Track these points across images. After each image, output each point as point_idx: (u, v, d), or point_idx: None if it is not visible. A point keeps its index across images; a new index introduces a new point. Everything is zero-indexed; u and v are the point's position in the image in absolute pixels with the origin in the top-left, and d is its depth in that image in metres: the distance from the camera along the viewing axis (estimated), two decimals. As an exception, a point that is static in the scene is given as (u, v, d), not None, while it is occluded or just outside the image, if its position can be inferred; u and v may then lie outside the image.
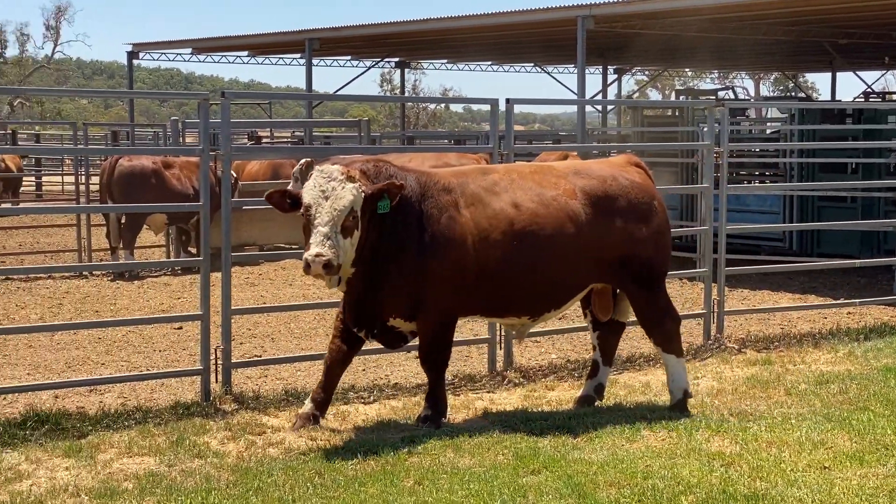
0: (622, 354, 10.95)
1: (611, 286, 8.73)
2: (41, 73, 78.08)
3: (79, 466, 7.28)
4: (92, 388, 9.54)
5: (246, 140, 29.07)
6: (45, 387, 9.25)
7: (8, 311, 13.94)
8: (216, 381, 9.15)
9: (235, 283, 12.23)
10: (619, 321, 9.02)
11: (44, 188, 33.43)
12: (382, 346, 8.43)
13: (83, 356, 11.19)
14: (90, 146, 23.09)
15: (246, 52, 37.58)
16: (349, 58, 37.71)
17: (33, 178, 33.44)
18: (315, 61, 32.09)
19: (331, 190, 7.56)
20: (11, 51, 76.02)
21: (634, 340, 11.47)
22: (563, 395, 9.47)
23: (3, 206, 26.48)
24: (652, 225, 8.58)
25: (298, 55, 35.93)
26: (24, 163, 30.93)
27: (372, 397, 9.37)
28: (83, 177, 20.59)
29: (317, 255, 7.39)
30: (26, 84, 66.10)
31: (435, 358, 8.19)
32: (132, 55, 36.21)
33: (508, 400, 9.36)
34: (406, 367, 10.59)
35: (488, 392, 9.61)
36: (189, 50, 37.20)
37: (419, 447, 7.58)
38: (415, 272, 7.85)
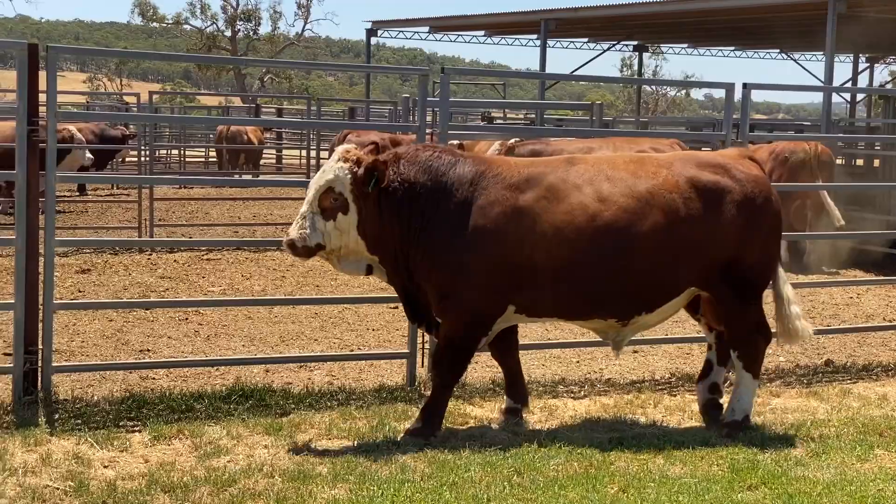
0: (857, 362, 10.17)
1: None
2: (291, 50, 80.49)
3: (277, 445, 7.17)
4: (302, 364, 9.49)
5: (479, 120, 28.98)
6: (254, 361, 9.25)
7: (234, 281, 14.15)
8: (422, 366, 8.92)
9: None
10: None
11: (284, 161, 34.27)
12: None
13: (297, 331, 11.18)
14: (322, 120, 23.38)
15: (482, 32, 37.54)
16: (586, 39, 37.17)
17: (274, 151, 34.34)
18: (551, 42, 31.72)
19: (323, 170, 7.32)
20: (264, 28, 78.59)
21: (873, 347, 10.66)
22: (790, 402, 8.82)
23: (244, 177, 27.24)
24: (763, 227, 7.69)
25: (534, 36, 35.59)
26: (267, 136, 31.78)
27: (582, 392, 8.96)
28: (315, 150, 20.86)
29: (285, 235, 7.29)
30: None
31: (447, 363, 7.45)
32: (371, 33, 36.69)
33: (728, 404, 8.77)
34: (622, 361, 10.13)
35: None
36: (426, 28, 37.42)
37: (627, 451, 7.14)
38: (445, 265, 7.22)
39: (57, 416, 7.57)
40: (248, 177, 27.93)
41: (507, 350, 7.94)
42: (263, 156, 32.10)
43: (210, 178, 24.48)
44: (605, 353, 10.28)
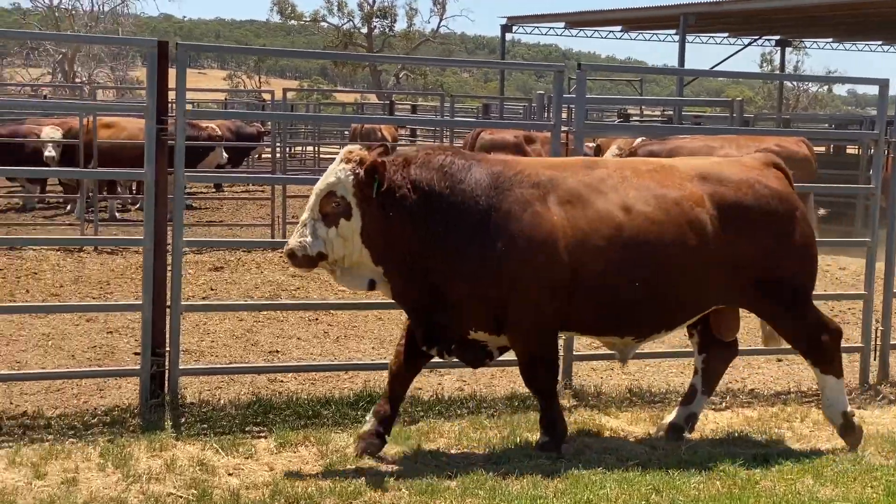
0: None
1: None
2: (427, 47, 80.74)
3: (405, 455, 6.93)
4: (432, 368, 9.23)
5: (615, 117, 28.49)
6: (383, 366, 9.00)
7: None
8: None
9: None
10: (732, 348, 7.74)
11: (417, 158, 34.14)
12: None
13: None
14: (456, 118, 23.18)
15: (619, 27, 36.96)
16: (726, 35, 36.30)
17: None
18: (689, 38, 31.00)
19: (326, 174, 6.76)
20: (400, 24, 78.96)
21: None
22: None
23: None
24: (795, 239, 7.25)
25: (673, 31, 34.88)
26: (401, 133, 31.73)
27: (724, 403, 8.54)
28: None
29: (286, 245, 6.73)
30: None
31: (539, 377, 7.00)
32: (506, 29, 36.45)
33: (881, 420, 8.28)
34: (765, 370, 9.66)
35: (857, 407, 8.50)
36: (562, 24, 37.00)
37: (773, 468, 6.73)
38: (490, 277, 6.66)
39: (183, 420, 7.47)
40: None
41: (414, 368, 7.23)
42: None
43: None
44: (748, 362, 9.83)
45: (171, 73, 7.86)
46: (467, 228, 6.68)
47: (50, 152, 19.11)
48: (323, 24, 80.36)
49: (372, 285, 6.87)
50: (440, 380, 8.98)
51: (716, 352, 7.62)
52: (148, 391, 7.66)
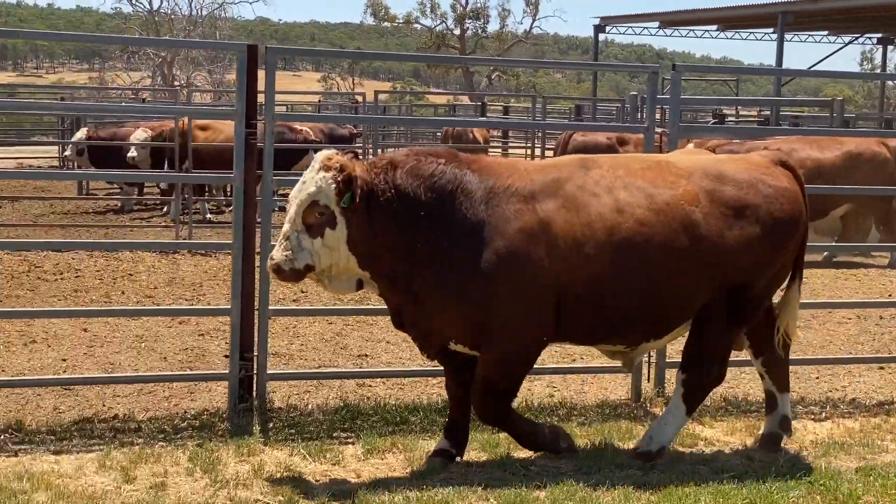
0: None
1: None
2: (519, 48, 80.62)
3: (493, 464, 6.81)
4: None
5: (710, 118, 28.06)
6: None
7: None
8: (647, 380, 8.42)
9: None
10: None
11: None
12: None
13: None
14: (547, 120, 23.02)
15: (715, 27, 36.45)
16: (825, 33, 35.59)
17: (500, 150, 34.19)
18: (787, 36, 30.42)
19: (303, 182, 6.47)
20: (493, 25, 78.98)
21: None
22: None
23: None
24: (787, 247, 6.87)
25: (770, 30, 34.29)
26: (493, 134, 31.65)
27: (824, 414, 8.29)
28: (540, 149, 20.51)
29: (269, 258, 6.47)
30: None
31: (490, 408, 6.69)
32: (599, 29, 36.16)
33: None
34: (867, 379, 9.36)
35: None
36: (656, 24, 36.60)
37: (877, 483, 6.47)
38: (473, 293, 6.36)
39: (271, 424, 7.45)
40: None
41: (463, 382, 6.85)
42: (489, 154, 31.96)
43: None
44: (848, 370, 9.55)
45: (263, 76, 7.84)
46: (453, 242, 6.39)
47: (132, 153, 19.53)
48: (416, 25, 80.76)
49: (360, 285, 6.68)
50: (529, 385, 8.84)
51: (772, 348, 7.28)
52: (236, 395, 7.65)
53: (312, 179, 6.41)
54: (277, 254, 6.42)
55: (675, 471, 6.63)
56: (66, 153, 21.04)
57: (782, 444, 7.26)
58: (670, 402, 7.01)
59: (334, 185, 6.36)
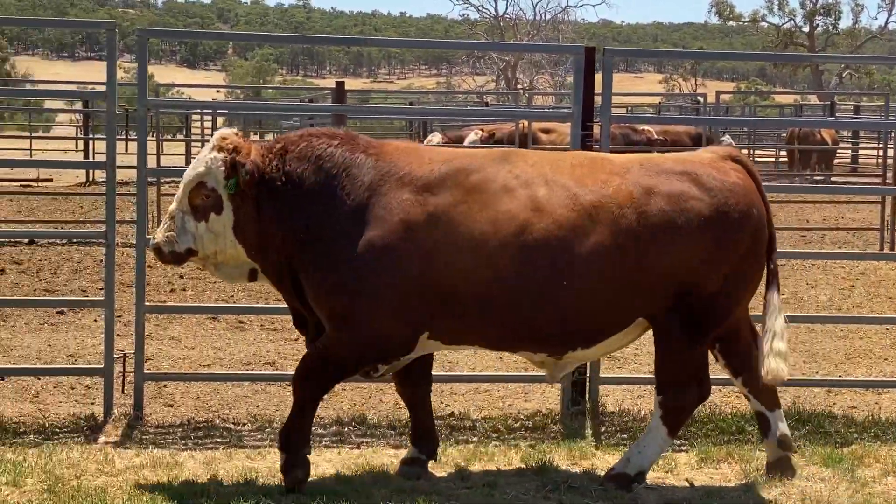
0: None
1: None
2: (873, 43, 77.01)
3: (835, 480, 6.49)
4: (869, 387, 8.67)
5: None
6: (813, 382, 8.55)
7: (798, 290, 13.41)
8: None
9: None
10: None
11: (860, 161, 32.50)
12: None
13: (865, 347, 10.29)
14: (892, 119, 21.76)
15: None
16: None
17: (849, 151, 32.73)
18: None
19: (196, 160, 6.13)
20: (844, 22, 75.91)
21: None
22: None
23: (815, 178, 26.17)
24: (736, 248, 6.16)
25: None
26: (842, 135, 30.35)
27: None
28: (893, 150, 19.41)
29: (152, 237, 6.19)
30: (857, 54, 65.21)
31: (314, 377, 6.11)
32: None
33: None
34: None
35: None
36: None
37: None
38: (337, 284, 5.96)
39: (603, 429, 7.42)
40: (820, 178, 26.73)
41: (415, 383, 6.55)
42: (837, 155, 30.65)
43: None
44: None
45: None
46: (334, 229, 6.02)
47: None
48: (762, 24, 78.60)
49: (253, 276, 6.37)
50: (877, 399, 8.37)
51: (751, 364, 6.48)
52: (569, 398, 7.66)
53: (203, 159, 6.15)
54: (159, 234, 6.20)
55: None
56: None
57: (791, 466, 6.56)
58: (651, 427, 6.43)
59: (223, 168, 6.07)
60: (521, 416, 7.73)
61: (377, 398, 8.30)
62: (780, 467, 6.52)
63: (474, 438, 7.29)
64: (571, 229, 5.97)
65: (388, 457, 6.79)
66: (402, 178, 6.05)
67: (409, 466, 6.47)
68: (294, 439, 6.10)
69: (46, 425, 7.35)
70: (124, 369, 7.92)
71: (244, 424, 7.52)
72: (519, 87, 58.48)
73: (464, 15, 74.49)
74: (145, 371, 7.68)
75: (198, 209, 6.11)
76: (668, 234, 6.05)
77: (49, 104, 40.16)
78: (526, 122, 18.07)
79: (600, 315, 6.10)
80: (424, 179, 6.05)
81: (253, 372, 8.92)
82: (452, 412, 7.88)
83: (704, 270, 6.11)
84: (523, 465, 6.64)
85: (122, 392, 7.79)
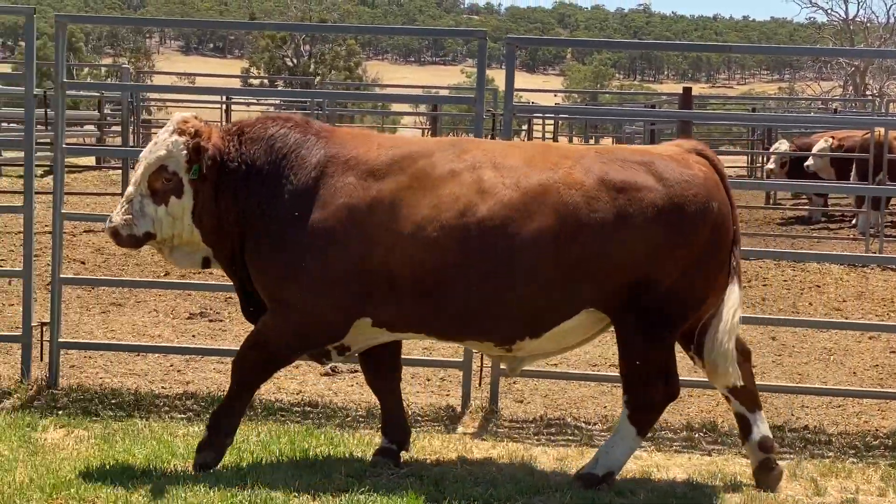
0: None
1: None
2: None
3: None
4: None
5: None
6: None
7: None
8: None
9: None
10: (744, 348, 6.47)
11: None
12: None
13: None
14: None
15: None
16: None
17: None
18: None
19: (154, 143, 6.06)
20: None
21: None
22: None
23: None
24: (691, 242, 5.89)
25: None
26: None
27: None
28: None
29: (108, 221, 6.08)
30: None
31: (251, 364, 6.11)
32: None
33: None
34: None
35: None
36: None
37: None
38: (273, 268, 5.97)
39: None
40: None
41: (383, 373, 6.48)
42: None
43: None
44: None
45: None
46: (276, 210, 6.00)
47: (809, 162, 19.76)
48: None
49: (206, 263, 6.35)
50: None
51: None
52: None
53: (164, 142, 6.09)
54: (116, 217, 6.12)
55: None
56: (770, 165, 21.32)
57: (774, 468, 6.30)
58: (619, 427, 6.15)
59: (185, 152, 6.05)
60: (880, 434, 7.49)
61: (725, 405, 8.22)
62: (765, 470, 6.32)
63: (830, 453, 7.12)
64: (515, 209, 5.86)
65: (740, 465, 6.74)
66: (348, 161, 6.08)
67: (381, 457, 6.43)
68: (222, 423, 6.19)
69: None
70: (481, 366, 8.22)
71: (594, 424, 7.66)
72: (868, 93, 56.04)
73: (810, 18, 71.99)
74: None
75: (157, 193, 6.13)
76: (617, 223, 5.88)
77: (395, 107, 42.17)
78: (882, 131, 17.35)
79: (543, 301, 5.93)
80: (371, 164, 6.06)
81: (599, 373, 9.04)
82: (806, 425, 7.72)
83: (658, 263, 5.91)
84: (883, 485, 6.45)
85: (479, 385, 8.10)
